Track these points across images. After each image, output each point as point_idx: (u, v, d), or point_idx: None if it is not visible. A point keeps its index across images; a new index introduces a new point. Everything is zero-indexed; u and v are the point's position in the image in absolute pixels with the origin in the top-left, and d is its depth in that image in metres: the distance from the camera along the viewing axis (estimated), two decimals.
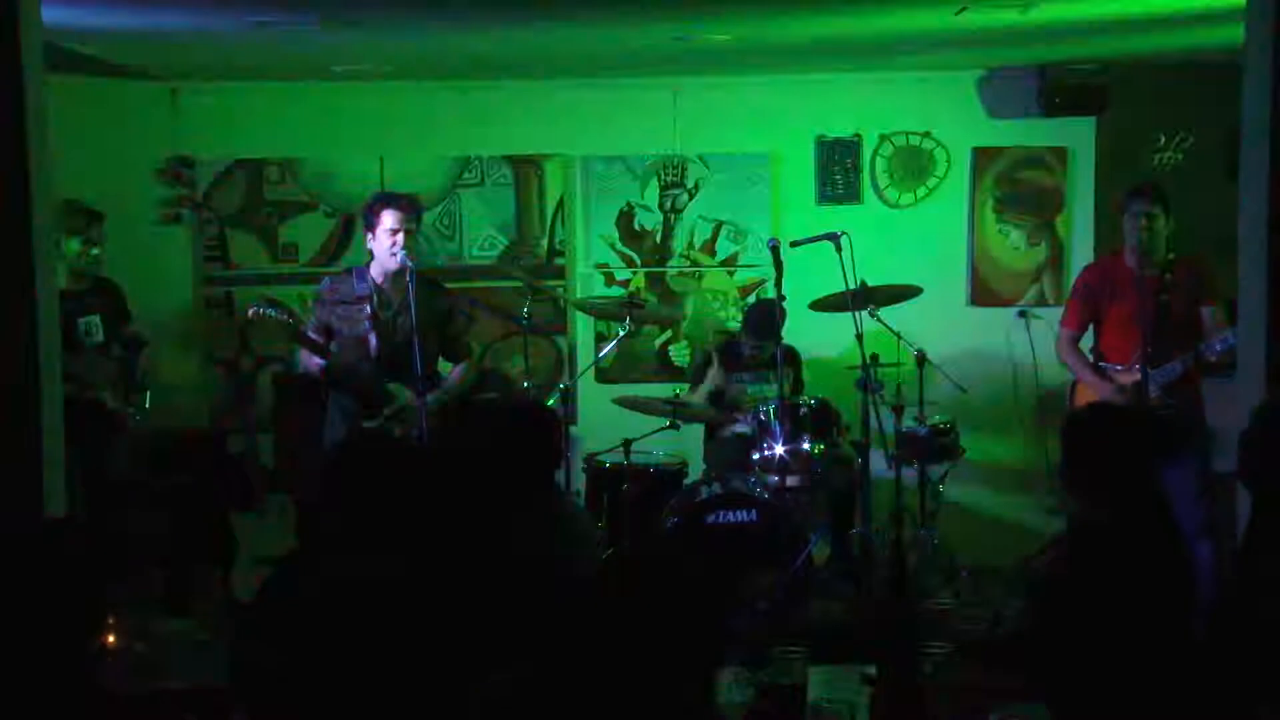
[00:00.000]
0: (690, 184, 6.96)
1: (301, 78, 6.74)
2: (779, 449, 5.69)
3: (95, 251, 5.55)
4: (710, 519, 5.54)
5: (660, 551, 2.96)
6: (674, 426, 5.97)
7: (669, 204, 6.97)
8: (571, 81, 6.86)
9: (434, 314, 5.37)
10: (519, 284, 6.40)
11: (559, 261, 6.98)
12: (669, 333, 7.00)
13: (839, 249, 5.60)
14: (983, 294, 7.01)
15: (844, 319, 5.75)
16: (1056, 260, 6.98)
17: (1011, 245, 7.01)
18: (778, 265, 5.58)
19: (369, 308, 5.29)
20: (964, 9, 5.05)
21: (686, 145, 6.94)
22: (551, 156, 6.96)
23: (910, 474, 6.02)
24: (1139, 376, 5.39)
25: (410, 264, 5.20)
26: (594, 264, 6.99)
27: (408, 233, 5.24)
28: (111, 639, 4.35)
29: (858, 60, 6.67)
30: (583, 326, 6.99)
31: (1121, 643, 3.02)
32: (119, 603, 4.73)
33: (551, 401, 5.85)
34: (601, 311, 6.52)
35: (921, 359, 6.00)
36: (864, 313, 5.70)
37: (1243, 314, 4.21)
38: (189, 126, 6.82)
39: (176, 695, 4.16)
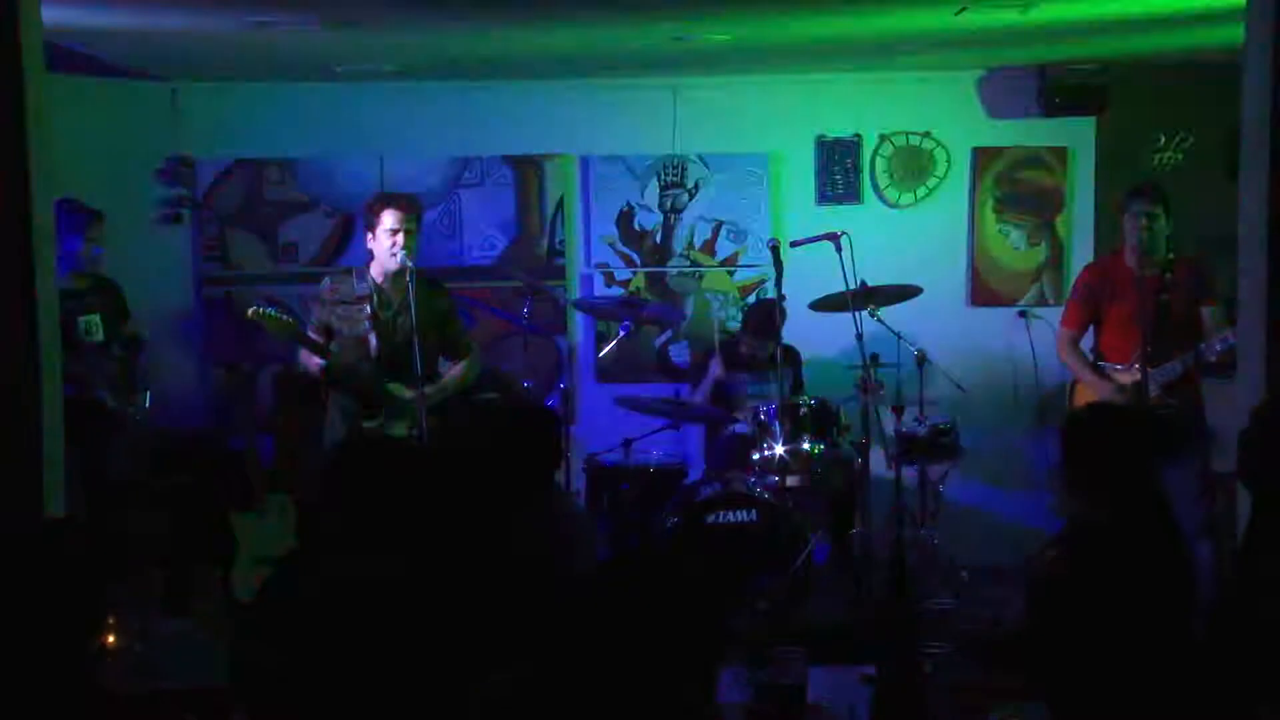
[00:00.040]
0: (690, 184, 6.96)
1: (301, 78, 6.74)
2: (779, 449, 5.69)
3: (96, 252, 5.55)
4: (710, 519, 5.54)
5: (660, 551, 2.96)
6: (674, 426, 5.98)
7: (669, 204, 6.97)
8: (571, 81, 6.86)
9: (434, 313, 5.37)
10: (519, 284, 6.40)
11: (559, 261, 6.98)
12: (669, 333, 7.00)
13: (839, 249, 5.60)
14: (983, 294, 7.01)
15: (844, 319, 5.75)
16: (1056, 260, 6.98)
17: (1011, 245, 7.01)
18: (778, 265, 5.59)
19: (369, 308, 5.29)
20: (964, 9, 5.05)
21: (686, 145, 6.94)
22: (551, 156, 6.96)
23: (910, 474, 6.02)
24: (1139, 376, 5.39)
25: (410, 264, 5.20)
26: (594, 264, 6.99)
27: (408, 233, 5.24)
28: (111, 639, 4.34)
29: (858, 60, 6.67)
30: (583, 327, 6.99)
31: (1121, 643, 3.02)
32: (119, 603, 4.73)
33: (551, 402, 5.86)
34: (601, 312, 6.52)
35: (921, 359, 6.00)
36: (864, 313, 5.70)
37: (1243, 314, 4.21)
38: (189, 126, 6.82)
39: (176, 695, 4.15)
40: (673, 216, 6.99)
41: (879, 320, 5.82)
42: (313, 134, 6.88)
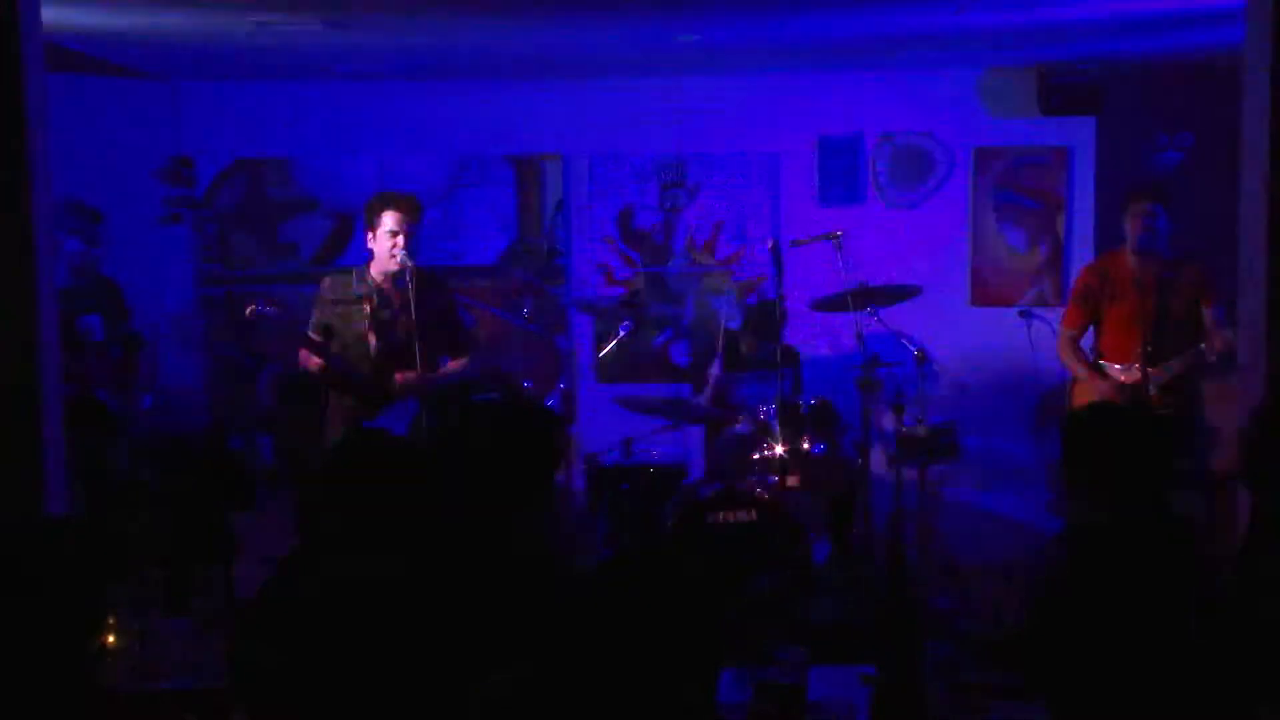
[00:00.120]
0: (690, 184, 6.96)
1: (301, 78, 6.74)
2: (779, 449, 5.69)
3: (94, 253, 5.55)
4: (710, 519, 5.54)
5: (660, 551, 2.96)
6: (674, 426, 5.98)
7: (669, 204, 6.98)
8: (571, 81, 6.86)
9: (434, 312, 5.37)
10: (519, 284, 6.40)
11: (559, 261, 6.98)
12: (669, 333, 7.00)
13: (839, 249, 5.60)
14: (983, 294, 7.01)
15: (844, 319, 5.75)
16: (1056, 260, 6.98)
17: (1011, 245, 7.01)
18: (778, 265, 5.59)
19: (369, 307, 5.29)
20: (964, 9, 5.05)
21: (686, 145, 6.94)
22: (551, 156, 6.96)
23: (910, 474, 6.02)
24: (1138, 376, 5.39)
25: (410, 264, 5.21)
26: (594, 264, 6.99)
27: (408, 233, 5.25)
28: (111, 639, 4.35)
29: (858, 60, 6.67)
30: (583, 327, 6.99)
31: (1121, 643, 3.02)
32: (119, 603, 4.73)
33: (551, 402, 5.86)
34: (601, 311, 6.52)
35: (921, 359, 6.00)
36: (864, 313, 5.70)
37: (1243, 314, 4.21)
38: (189, 126, 6.82)
39: (176, 695, 4.16)
40: (673, 216, 6.99)
41: (879, 320, 5.82)
42: (313, 134, 6.88)
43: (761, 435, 5.79)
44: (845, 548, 5.97)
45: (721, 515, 5.55)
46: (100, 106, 6.54)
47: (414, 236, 5.31)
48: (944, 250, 6.98)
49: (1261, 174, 3.99)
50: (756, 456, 5.78)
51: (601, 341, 6.78)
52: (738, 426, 6.05)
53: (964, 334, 6.83)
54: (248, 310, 5.16)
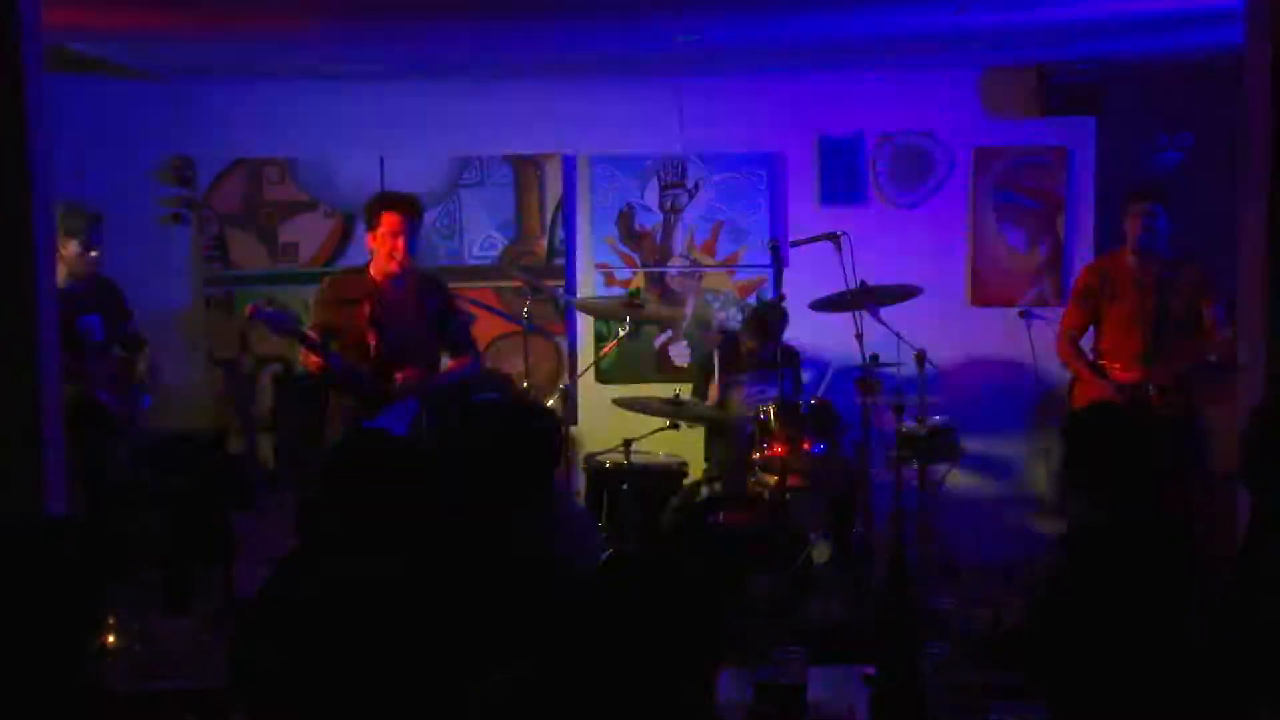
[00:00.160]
0: (690, 184, 6.96)
1: (301, 77, 6.74)
2: (779, 449, 5.69)
3: (94, 254, 5.55)
4: (710, 519, 5.54)
5: (660, 551, 2.96)
6: (674, 426, 5.98)
7: (669, 204, 6.98)
8: (571, 81, 6.86)
9: (433, 312, 5.38)
10: (519, 284, 6.40)
11: (559, 261, 6.98)
12: (669, 333, 7.00)
13: (839, 249, 5.60)
14: (983, 294, 7.01)
15: (844, 319, 5.75)
16: (1056, 260, 6.98)
17: (1011, 245, 7.01)
18: (778, 265, 5.58)
19: (369, 307, 5.30)
20: (964, 9, 5.05)
21: (686, 145, 6.94)
22: (551, 156, 6.96)
23: (910, 474, 6.02)
24: (1138, 376, 5.40)
25: (410, 264, 5.21)
26: (594, 264, 6.99)
27: (408, 233, 5.25)
28: (111, 639, 4.35)
29: (858, 60, 6.67)
30: (583, 327, 6.99)
31: (1121, 642, 3.02)
32: (119, 603, 4.73)
33: (551, 401, 5.86)
34: (601, 311, 6.52)
35: (921, 359, 6.00)
36: (864, 313, 5.70)
37: (1243, 314, 4.21)
38: (189, 126, 6.82)
39: (176, 695, 4.16)
40: (673, 216, 6.99)
41: (879, 320, 5.82)
42: (313, 134, 6.87)
43: (761, 435, 5.79)
44: (845, 548, 5.97)
45: (721, 515, 5.55)
46: (100, 106, 6.54)
47: (414, 236, 5.31)
48: (944, 250, 6.97)
49: (1261, 174, 3.99)
50: (756, 456, 5.78)
51: (601, 341, 6.78)
52: (738, 427, 6.05)
53: (964, 334, 6.83)
54: (248, 310, 5.16)
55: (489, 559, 3.36)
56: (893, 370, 5.92)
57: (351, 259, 6.51)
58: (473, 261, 6.94)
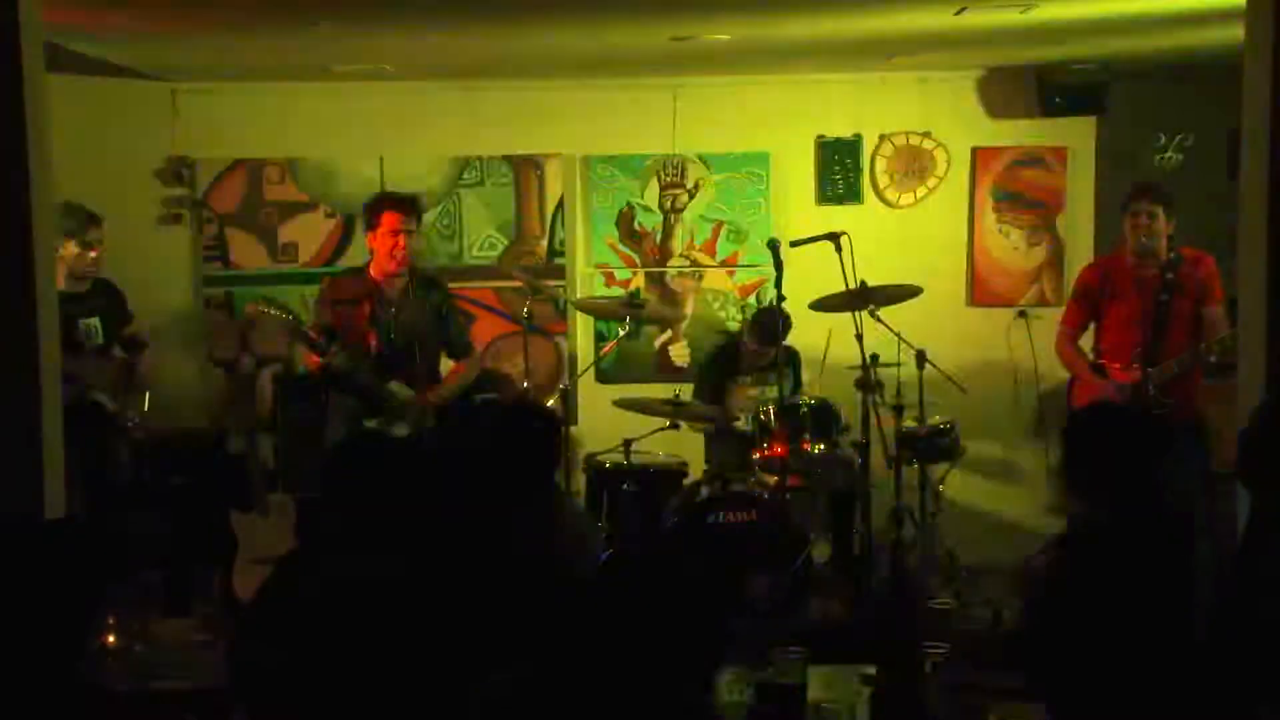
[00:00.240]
0: (690, 184, 6.96)
1: (301, 78, 6.74)
2: (779, 449, 5.69)
3: (93, 255, 5.54)
4: (710, 519, 5.54)
5: (660, 551, 2.96)
6: (674, 426, 5.98)
7: (669, 204, 6.97)
8: (571, 81, 6.86)
9: (434, 312, 5.38)
10: (519, 284, 6.40)
11: (559, 261, 6.98)
12: (669, 333, 7.00)
13: (839, 249, 5.60)
14: (983, 294, 7.01)
15: (844, 319, 5.75)
16: (1056, 260, 6.98)
17: (1011, 245, 7.00)
18: (778, 265, 5.58)
19: (369, 307, 5.30)
20: (964, 9, 5.05)
21: (686, 145, 6.94)
22: (551, 156, 6.96)
23: (910, 474, 6.01)
24: (1138, 376, 5.39)
25: (410, 264, 5.22)
26: (594, 264, 6.99)
27: (408, 233, 5.25)
28: (111, 639, 4.34)
29: (858, 60, 6.67)
30: (583, 326, 6.99)
31: (1121, 643, 3.02)
32: (119, 603, 4.72)
33: (551, 401, 5.86)
34: (601, 311, 6.52)
35: (921, 359, 6.00)
36: (864, 313, 5.70)
37: (1243, 314, 4.21)
38: (189, 126, 6.82)
39: (176, 695, 4.15)
40: (673, 216, 6.98)
41: (879, 320, 5.81)
42: (313, 134, 6.87)
43: (761, 435, 5.79)
44: (845, 548, 5.97)
45: (721, 516, 5.55)
46: (100, 106, 6.54)
47: (414, 236, 5.31)
48: (944, 250, 6.97)
49: (1261, 174, 3.98)
50: (756, 456, 5.78)
51: (601, 341, 6.78)
52: (738, 427, 6.05)
53: (964, 334, 6.83)
54: (249, 308, 5.16)
55: (489, 559, 3.36)
56: (893, 370, 5.92)
57: (351, 259, 6.51)
58: (473, 261, 6.94)
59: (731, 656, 2.90)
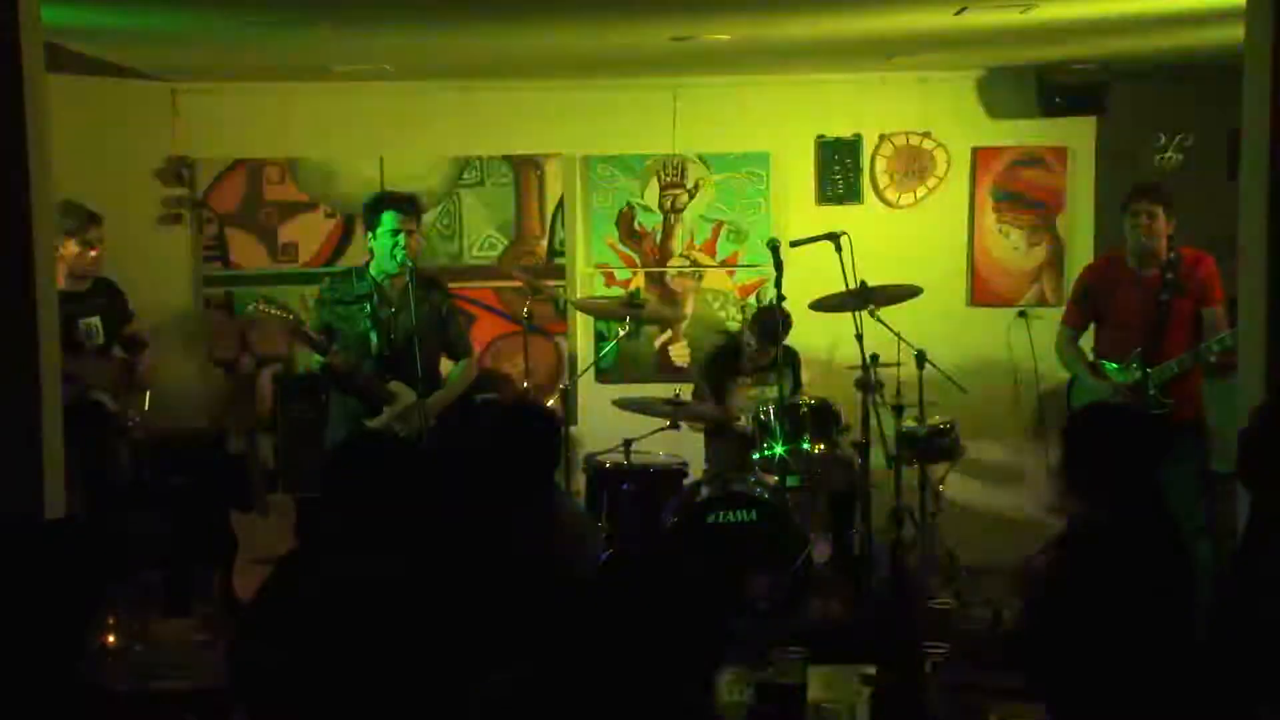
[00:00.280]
0: (690, 184, 6.96)
1: (301, 78, 6.74)
2: (779, 449, 5.69)
3: (93, 254, 5.54)
4: (710, 519, 5.54)
5: (660, 551, 2.96)
6: (674, 426, 5.98)
7: (669, 204, 6.98)
8: (571, 81, 6.86)
9: (434, 312, 5.38)
10: (519, 284, 6.41)
11: (559, 261, 6.98)
12: (669, 333, 7.00)
13: (839, 249, 5.60)
14: (983, 294, 7.01)
15: (844, 319, 5.75)
16: (1056, 260, 6.98)
17: (1011, 245, 7.00)
18: (778, 265, 5.58)
19: (369, 306, 5.30)
20: (964, 9, 5.05)
21: (686, 145, 6.94)
22: (551, 156, 6.96)
23: (910, 474, 6.01)
24: (1138, 376, 5.39)
25: (410, 264, 5.22)
26: (594, 264, 6.99)
27: (408, 233, 5.25)
28: (111, 639, 4.34)
29: (858, 60, 6.67)
30: (583, 327, 6.99)
31: (1121, 643, 3.02)
32: (119, 603, 4.73)
33: (551, 401, 5.86)
34: (601, 311, 6.52)
35: (921, 359, 6.00)
36: (864, 313, 5.70)
37: (1243, 314, 4.21)
38: (189, 126, 6.82)
39: (176, 695, 4.15)
40: (673, 216, 6.99)
41: (879, 320, 5.81)
42: (313, 134, 6.88)
43: (761, 435, 5.79)
44: (845, 548, 5.97)
45: (721, 515, 5.55)
46: (100, 106, 6.54)
47: (414, 236, 5.31)
48: (944, 250, 6.97)
49: (1261, 174, 3.98)
50: (756, 456, 5.78)
51: (601, 341, 6.78)
52: (738, 427, 6.05)
53: (964, 334, 6.83)
54: (250, 307, 5.16)
55: (489, 559, 3.36)
56: (893, 370, 5.92)
57: (351, 259, 6.51)
58: (473, 261, 6.94)
59: (731, 656, 2.90)
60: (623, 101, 6.92)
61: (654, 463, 5.97)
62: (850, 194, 6.98)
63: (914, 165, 6.99)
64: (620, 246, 6.98)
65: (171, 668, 4.52)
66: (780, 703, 3.18)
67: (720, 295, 7.00)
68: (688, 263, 6.99)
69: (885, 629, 5.22)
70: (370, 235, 5.32)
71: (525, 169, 6.95)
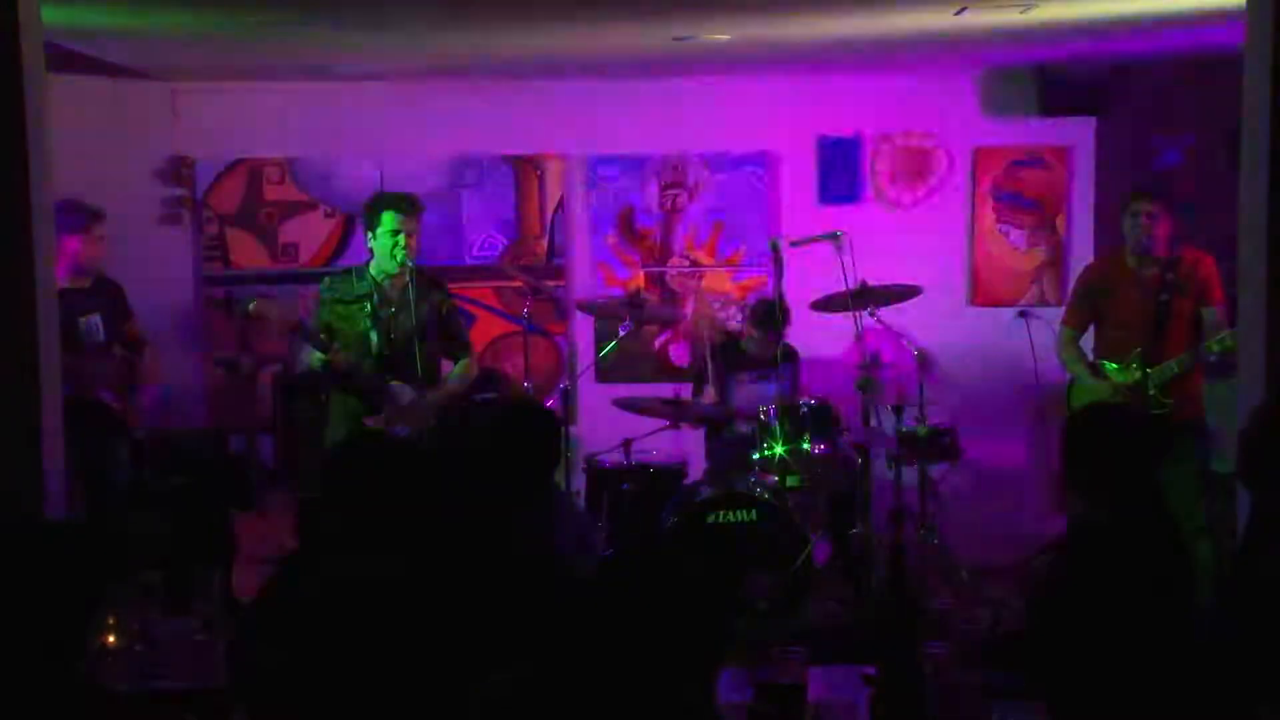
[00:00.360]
0: (690, 184, 6.96)
1: (301, 78, 6.74)
2: (779, 449, 5.69)
3: (95, 253, 5.53)
4: (710, 519, 5.54)
5: (660, 551, 2.96)
6: (674, 426, 5.98)
7: (669, 204, 6.98)
8: (571, 81, 6.86)
9: (434, 312, 5.38)
10: (519, 284, 6.41)
11: (559, 261, 6.98)
12: (669, 333, 7.00)
13: (839, 249, 5.60)
14: (983, 294, 7.01)
15: (844, 319, 5.75)
16: (1056, 260, 6.98)
17: (1011, 245, 7.01)
18: (778, 265, 5.58)
19: (369, 306, 5.30)
20: (964, 9, 5.05)
21: (686, 145, 6.94)
22: (551, 156, 6.96)
23: (910, 474, 6.02)
24: (1138, 376, 5.39)
25: (410, 264, 5.22)
26: (594, 264, 6.99)
27: (408, 233, 5.25)
28: (111, 639, 4.34)
29: (858, 60, 6.67)
30: (583, 327, 6.99)
31: (1121, 643, 3.02)
32: (119, 603, 4.72)
33: (551, 401, 5.86)
34: (601, 311, 6.52)
35: (921, 359, 6.00)
36: (864, 313, 5.70)
37: (1243, 314, 4.21)
38: (189, 126, 6.82)
39: (176, 695, 4.15)
40: (673, 216, 6.99)
41: (879, 320, 5.81)
42: (313, 134, 6.88)
43: (761, 435, 5.79)
44: (845, 548, 5.97)
45: (721, 515, 5.55)
46: (100, 106, 6.54)
47: (414, 236, 5.31)
48: (943, 250, 6.97)
49: (1261, 174, 3.98)
50: (756, 456, 5.78)
51: (601, 341, 6.78)
52: (738, 426, 6.06)
53: (964, 334, 6.83)
54: (250, 307, 5.16)
55: (489, 559, 3.36)
56: (892, 370, 5.92)
57: (351, 259, 6.51)
58: (473, 261, 6.94)
59: (731, 656, 2.90)
60: (623, 101, 6.91)
61: (654, 463, 5.97)
62: (850, 194, 6.98)
63: (914, 165, 7.00)
64: (620, 247, 6.98)
65: (171, 668, 4.52)
66: (780, 703, 3.17)
67: (720, 295, 7.00)
68: (688, 263, 6.99)
69: (885, 629, 5.23)
70: (370, 235, 5.32)
71: (525, 169, 6.96)
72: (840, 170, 6.99)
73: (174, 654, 4.75)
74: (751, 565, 5.45)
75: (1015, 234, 7.00)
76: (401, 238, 5.22)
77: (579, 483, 6.11)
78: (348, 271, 5.50)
